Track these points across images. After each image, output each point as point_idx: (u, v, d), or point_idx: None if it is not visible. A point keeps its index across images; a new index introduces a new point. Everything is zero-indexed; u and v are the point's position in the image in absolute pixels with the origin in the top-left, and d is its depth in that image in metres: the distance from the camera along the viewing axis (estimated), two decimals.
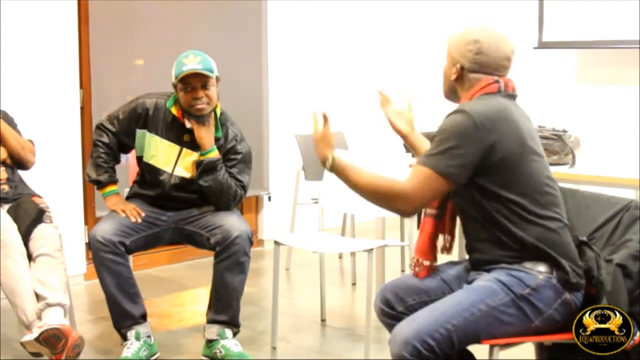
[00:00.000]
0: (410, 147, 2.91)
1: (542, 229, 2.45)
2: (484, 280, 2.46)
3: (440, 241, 2.73)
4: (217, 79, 3.52)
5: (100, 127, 3.65)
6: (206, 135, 3.52)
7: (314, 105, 2.85)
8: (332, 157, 2.55)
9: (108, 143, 3.63)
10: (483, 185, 2.45)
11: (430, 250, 2.67)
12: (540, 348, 2.65)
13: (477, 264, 2.57)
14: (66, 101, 4.67)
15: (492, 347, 2.41)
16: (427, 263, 2.66)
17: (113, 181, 3.64)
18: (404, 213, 2.57)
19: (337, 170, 2.55)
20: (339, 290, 4.81)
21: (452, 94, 2.64)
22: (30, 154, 3.75)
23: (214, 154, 3.53)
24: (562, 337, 2.47)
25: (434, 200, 2.55)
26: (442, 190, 2.46)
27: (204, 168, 3.51)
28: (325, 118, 2.62)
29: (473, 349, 2.51)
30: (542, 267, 2.43)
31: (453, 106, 2.61)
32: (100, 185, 3.63)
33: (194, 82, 3.44)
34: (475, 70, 2.54)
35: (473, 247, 2.60)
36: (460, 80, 2.57)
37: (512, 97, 2.55)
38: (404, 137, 2.88)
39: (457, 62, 2.56)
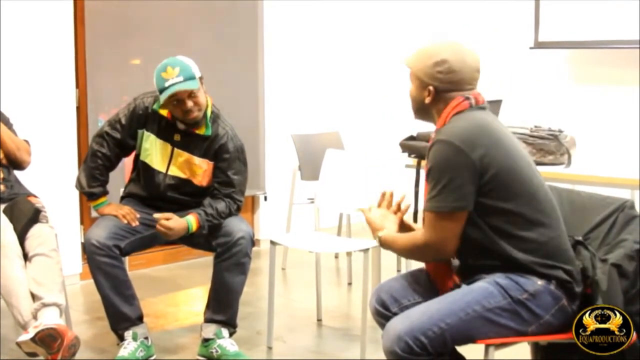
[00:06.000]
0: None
1: (537, 243, 2.43)
2: (483, 282, 2.46)
3: None
4: (201, 79, 3.44)
5: (103, 136, 3.58)
6: (176, 227, 3.47)
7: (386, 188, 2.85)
8: (382, 231, 2.63)
9: (109, 155, 3.58)
10: (480, 202, 2.42)
11: None
12: (536, 348, 2.66)
13: (469, 269, 2.54)
14: (62, 101, 4.66)
15: (487, 346, 2.41)
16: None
17: (105, 193, 3.63)
18: (443, 258, 2.55)
19: (384, 242, 2.62)
20: (335, 290, 4.81)
21: (423, 115, 2.62)
22: (25, 154, 3.74)
23: (194, 227, 3.48)
24: (557, 337, 2.48)
25: (459, 235, 2.45)
26: (460, 224, 2.43)
27: (202, 233, 3.51)
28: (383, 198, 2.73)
29: (470, 347, 2.51)
30: (538, 279, 2.43)
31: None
32: (93, 197, 3.60)
33: (179, 95, 3.37)
34: (449, 90, 2.52)
35: (465, 260, 2.56)
36: (434, 101, 2.54)
37: (484, 108, 2.54)
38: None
39: (427, 85, 2.53)
